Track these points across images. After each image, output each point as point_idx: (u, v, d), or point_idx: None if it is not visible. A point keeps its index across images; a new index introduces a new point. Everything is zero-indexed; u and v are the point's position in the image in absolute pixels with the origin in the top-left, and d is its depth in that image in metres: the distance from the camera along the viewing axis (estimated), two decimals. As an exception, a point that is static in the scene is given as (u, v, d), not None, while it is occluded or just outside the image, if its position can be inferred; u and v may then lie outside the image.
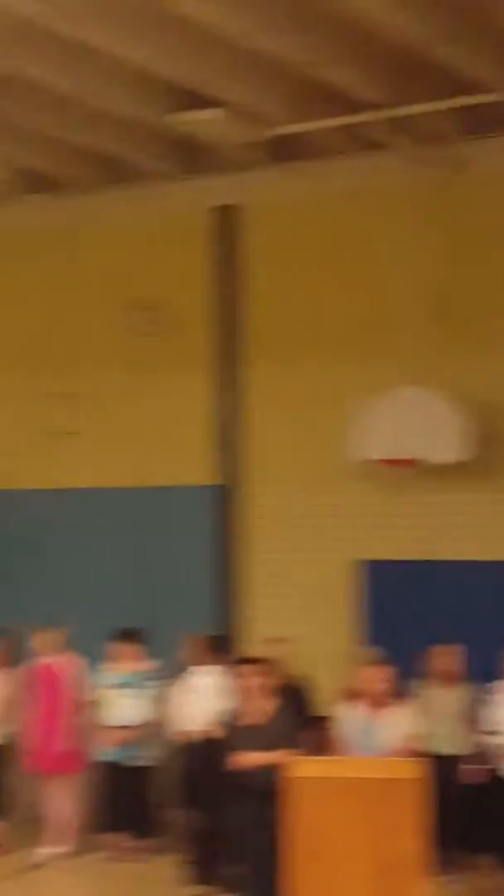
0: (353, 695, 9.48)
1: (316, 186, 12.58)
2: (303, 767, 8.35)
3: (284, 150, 12.48)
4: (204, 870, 10.12)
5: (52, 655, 11.29)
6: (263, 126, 11.58)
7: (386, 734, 9.23)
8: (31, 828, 11.24)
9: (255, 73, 10.88)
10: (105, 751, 11.05)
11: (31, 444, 13.50)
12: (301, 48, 10.29)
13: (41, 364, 13.63)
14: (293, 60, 10.51)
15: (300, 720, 9.36)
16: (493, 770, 10.01)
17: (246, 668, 9.15)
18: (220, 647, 10.86)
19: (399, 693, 9.56)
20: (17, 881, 10.50)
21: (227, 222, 13.06)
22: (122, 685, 11.10)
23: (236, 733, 8.98)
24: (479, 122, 11.66)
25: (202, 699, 10.31)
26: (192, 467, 12.98)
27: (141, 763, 10.99)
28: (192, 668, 10.74)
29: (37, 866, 10.81)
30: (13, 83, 10.93)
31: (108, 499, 13.18)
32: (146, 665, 11.14)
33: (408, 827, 7.85)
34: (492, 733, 10.03)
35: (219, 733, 9.47)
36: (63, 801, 11.14)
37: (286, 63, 10.63)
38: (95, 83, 10.98)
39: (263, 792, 8.63)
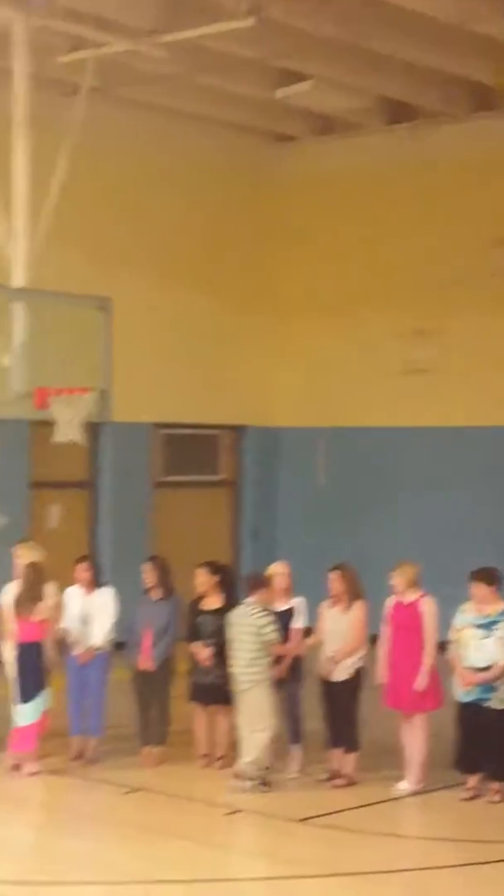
0: None
1: None
2: None
3: None
4: None
5: (410, 593, 11.25)
6: None
7: None
8: (378, 760, 11.31)
9: None
10: (463, 691, 10.99)
11: (394, 382, 13.42)
12: None
13: (403, 301, 13.49)
14: None
15: None
16: None
17: None
18: None
19: None
20: (373, 813, 10.58)
21: None
22: (481, 626, 10.96)
23: None
24: None
25: None
26: None
27: (498, 705, 10.86)
28: None
29: (393, 800, 10.88)
30: (379, 9, 10.69)
31: (468, 437, 12.99)
32: (505, 606, 10.96)
33: None
34: None
35: None
36: (419, 738, 11.16)
37: None
38: (465, 6, 10.63)
39: None
